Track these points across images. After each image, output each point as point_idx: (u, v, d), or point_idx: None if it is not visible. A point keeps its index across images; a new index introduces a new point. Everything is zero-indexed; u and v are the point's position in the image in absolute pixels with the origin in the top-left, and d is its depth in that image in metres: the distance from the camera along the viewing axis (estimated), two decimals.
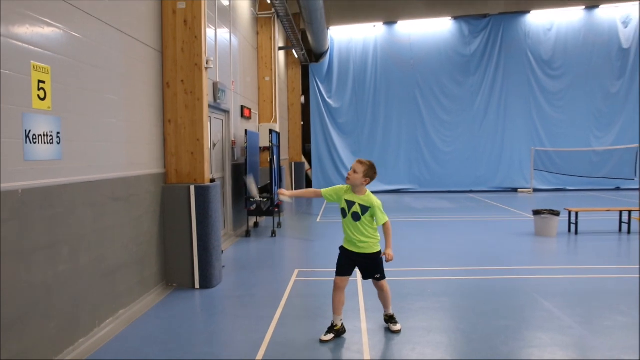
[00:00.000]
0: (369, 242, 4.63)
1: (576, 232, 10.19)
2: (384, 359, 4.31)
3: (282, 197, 4.78)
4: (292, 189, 19.66)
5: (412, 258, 8.18)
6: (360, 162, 4.62)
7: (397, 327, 4.83)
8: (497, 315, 5.33)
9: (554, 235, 9.89)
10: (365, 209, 4.58)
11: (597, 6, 20.43)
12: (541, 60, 20.70)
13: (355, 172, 4.58)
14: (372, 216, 4.63)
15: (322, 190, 4.81)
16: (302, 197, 4.98)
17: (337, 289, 4.71)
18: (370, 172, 4.60)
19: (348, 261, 4.72)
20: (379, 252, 4.69)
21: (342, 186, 4.78)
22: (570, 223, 10.46)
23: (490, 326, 5.00)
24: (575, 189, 20.36)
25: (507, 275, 7.01)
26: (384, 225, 4.65)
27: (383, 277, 4.79)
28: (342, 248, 4.79)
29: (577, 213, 10.26)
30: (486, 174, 20.84)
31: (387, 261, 4.64)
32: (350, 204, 4.63)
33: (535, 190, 20.13)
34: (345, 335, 4.75)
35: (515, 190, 20.57)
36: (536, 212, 10.13)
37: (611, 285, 6.44)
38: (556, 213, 9.89)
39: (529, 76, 20.71)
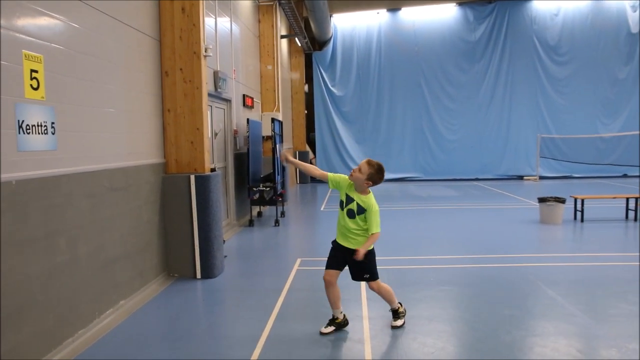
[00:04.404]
0: (361, 238, 4.41)
1: (582, 220, 10.08)
2: (385, 348, 4.26)
3: (283, 156, 4.64)
4: (296, 178, 19.62)
5: (415, 246, 8.13)
6: (368, 162, 4.38)
7: (398, 322, 4.65)
8: (501, 303, 5.27)
9: (560, 223, 9.80)
10: (361, 210, 4.37)
11: None
12: (547, 46, 20.46)
13: (360, 171, 4.36)
14: (367, 219, 4.40)
15: (330, 174, 4.56)
16: (304, 171, 4.77)
17: (328, 284, 4.51)
18: (375, 177, 4.35)
19: (339, 254, 4.52)
20: (370, 252, 4.46)
21: (347, 178, 4.50)
22: (576, 210, 10.36)
23: (493, 315, 4.95)
24: (581, 176, 20.15)
25: (512, 264, 6.95)
26: (372, 234, 4.37)
27: (373, 278, 4.54)
28: (334, 242, 4.59)
29: (582, 200, 10.15)
30: (492, 162, 20.69)
31: (355, 256, 4.28)
32: (349, 199, 4.42)
33: (541, 177, 19.97)
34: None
35: (521, 177, 20.41)
36: (541, 200, 10.04)
37: (616, 273, 6.36)
38: (562, 200, 9.80)
39: (535, 62, 20.48)
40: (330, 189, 17.46)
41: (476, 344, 4.30)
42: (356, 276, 4.59)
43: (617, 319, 4.76)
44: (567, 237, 8.99)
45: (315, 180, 20.91)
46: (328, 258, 4.59)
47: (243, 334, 4.60)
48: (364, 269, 4.51)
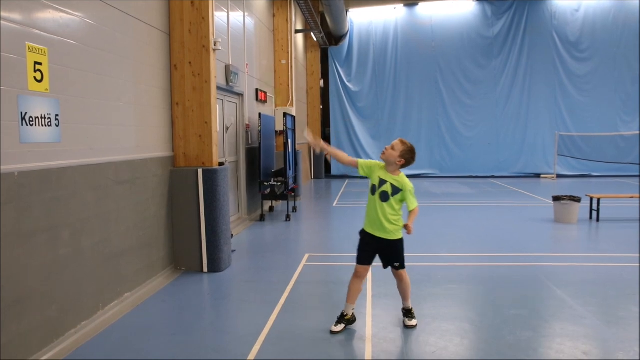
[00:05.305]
0: (393, 226, 4.42)
1: (597, 219, 9.90)
2: (386, 346, 4.21)
3: (306, 135, 4.58)
4: (311, 173, 19.57)
5: (426, 243, 8.04)
6: (402, 141, 4.45)
7: (413, 322, 4.59)
8: (508, 303, 5.19)
9: (574, 222, 9.63)
10: (396, 190, 4.39)
11: None
12: (567, 42, 20.11)
13: (393, 148, 4.40)
14: (401, 200, 4.44)
15: (360, 160, 4.58)
16: (334, 157, 4.77)
17: (357, 277, 4.52)
18: (408, 155, 4.42)
19: (369, 248, 4.51)
20: (401, 240, 4.50)
21: (379, 162, 4.56)
22: (591, 210, 10.17)
23: (499, 315, 4.87)
24: (600, 175, 19.78)
25: (522, 263, 6.84)
26: (413, 210, 4.48)
27: (402, 266, 4.56)
28: (363, 232, 4.56)
29: (598, 199, 9.96)
30: (508, 159, 20.45)
31: (407, 233, 4.37)
32: (382, 182, 4.42)
33: (559, 176, 19.67)
34: None
35: (538, 175, 20.13)
36: (556, 198, 9.88)
37: (629, 274, 6.21)
38: (577, 199, 9.62)
39: (554, 59, 20.16)
40: (345, 185, 17.42)
41: (479, 343, 4.24)
42: (387, 264, 4.59)
43: (627, 322, 4.65)
44: (581, 236, 8.83)
45: (330, 175, 20.90)
46: (359, 252, 4.57)
47: (245, 329, 4.59)
48: (396, 257, 4.53)
